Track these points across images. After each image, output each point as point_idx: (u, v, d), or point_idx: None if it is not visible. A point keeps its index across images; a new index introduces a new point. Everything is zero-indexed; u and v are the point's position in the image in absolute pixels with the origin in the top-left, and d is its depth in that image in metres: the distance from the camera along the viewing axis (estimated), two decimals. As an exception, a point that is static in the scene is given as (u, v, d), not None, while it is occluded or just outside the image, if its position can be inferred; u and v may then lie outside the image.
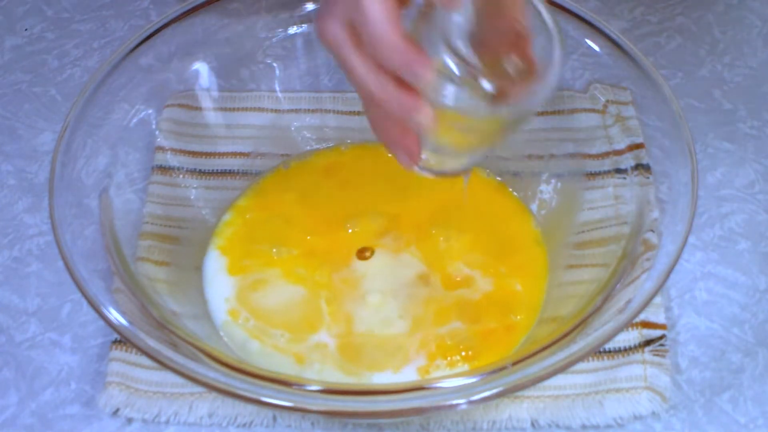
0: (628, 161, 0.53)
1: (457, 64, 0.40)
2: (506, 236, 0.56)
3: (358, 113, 0.62)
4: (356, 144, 0.61)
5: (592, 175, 0.55)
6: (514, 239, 0.56)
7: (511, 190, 0.58)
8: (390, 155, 0.46)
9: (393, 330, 0.51)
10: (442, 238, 0.55)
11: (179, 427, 0.49)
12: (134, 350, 0.50)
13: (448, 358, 0.50)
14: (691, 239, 0.56)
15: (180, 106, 0.59)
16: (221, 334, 0.52)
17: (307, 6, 0.59)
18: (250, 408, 0.49)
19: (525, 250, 0.55)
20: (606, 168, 0.55)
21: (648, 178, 0.52)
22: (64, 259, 0.46)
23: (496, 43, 0.43)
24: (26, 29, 0.69)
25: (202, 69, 0.57)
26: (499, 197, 0.58)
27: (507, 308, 0.52)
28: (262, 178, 0.59)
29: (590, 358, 0.50)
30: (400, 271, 0.54)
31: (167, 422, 0.49)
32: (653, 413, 0.49)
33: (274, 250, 0.55)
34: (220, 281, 0.54)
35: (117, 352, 0.51)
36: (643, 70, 0.52)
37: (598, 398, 0.49)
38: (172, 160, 0.58)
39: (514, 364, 0.42)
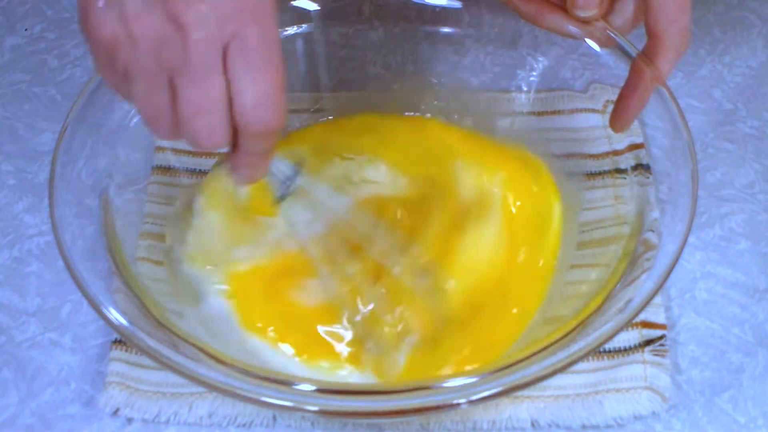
0: (628, 161, 0.53)
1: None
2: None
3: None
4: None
5: (592, 175, 0.55)
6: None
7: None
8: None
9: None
10: (443, 238, 0.55)
11: (179, 427, 0.49)
12: (134, 350, 0.50)
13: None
14: (691, 239, 0.55)
15: (180, 105, 0.59)
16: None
17: (307, 6, 0.59)
18: (250, 408, 0.49)
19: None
20: (606, 168, 0.55)
21: (648, 178, 0.52)
22: (64, 259, 0.46)
23: None
24: (26, 29, 0.69)
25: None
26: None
27: (510, 303, 0.52)
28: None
29: (590, 358, 0.50)
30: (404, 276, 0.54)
31: (167, 422, 0.49)
32: (653, 413, 0.49)
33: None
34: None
35: (117, 352, 0.51)
36: (643, 70, 0.52)
37: (598, 398, 0.49)
38: (172, 160, 0.58)
39: (514, 364, 0.42)
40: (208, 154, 0.59)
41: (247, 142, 0.41)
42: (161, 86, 0.39)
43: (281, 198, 0.49)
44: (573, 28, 0.52)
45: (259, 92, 0.39)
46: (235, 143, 0.41)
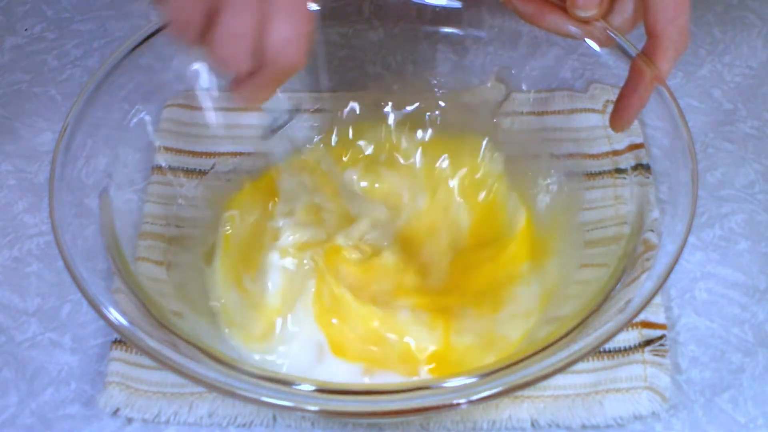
0: (628, 161, 0.53)
1: None
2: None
3: (359, 113, 0.62)
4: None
5: (592, 175, 0.55)
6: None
7: (510, 190, 0.58)
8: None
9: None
10: (444, 235, 0.56)
11: (179, 427, 0.49)
12: (134, 350, 0.50)
13: None
14: (691, 239, 0.56)
15: (180, 106, 0.59)
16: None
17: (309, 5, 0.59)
18: (250, 408, 0.49)
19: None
20: (606, 168, 0.55)
21: (648, 178, 0.52)
22: (64, 259, 0.46)
23: None
24: (26, 29, 0.69)
25: (202, 69, 0.57)
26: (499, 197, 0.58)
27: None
28: (262, 178, 0.59)
29: (590, 358, 0.50)
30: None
31: (167, 422, 0.49)
32: (653, 413, 0.49)
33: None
34: None
35: (117, 352, 0.51)
36: (643, 70, 0.52)
37: (598, 398, 0.49)
38: (173, 160, 0.58)
39: (514, 364, 0.42)
40: (208, 154, 0.59)
41: (266, 74, 0.43)
42: (199, 7, 0.41)
43: (272, 131, 0.52)
44: (573, 28, 0.52)
45: (290, 32, 0.41)
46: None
